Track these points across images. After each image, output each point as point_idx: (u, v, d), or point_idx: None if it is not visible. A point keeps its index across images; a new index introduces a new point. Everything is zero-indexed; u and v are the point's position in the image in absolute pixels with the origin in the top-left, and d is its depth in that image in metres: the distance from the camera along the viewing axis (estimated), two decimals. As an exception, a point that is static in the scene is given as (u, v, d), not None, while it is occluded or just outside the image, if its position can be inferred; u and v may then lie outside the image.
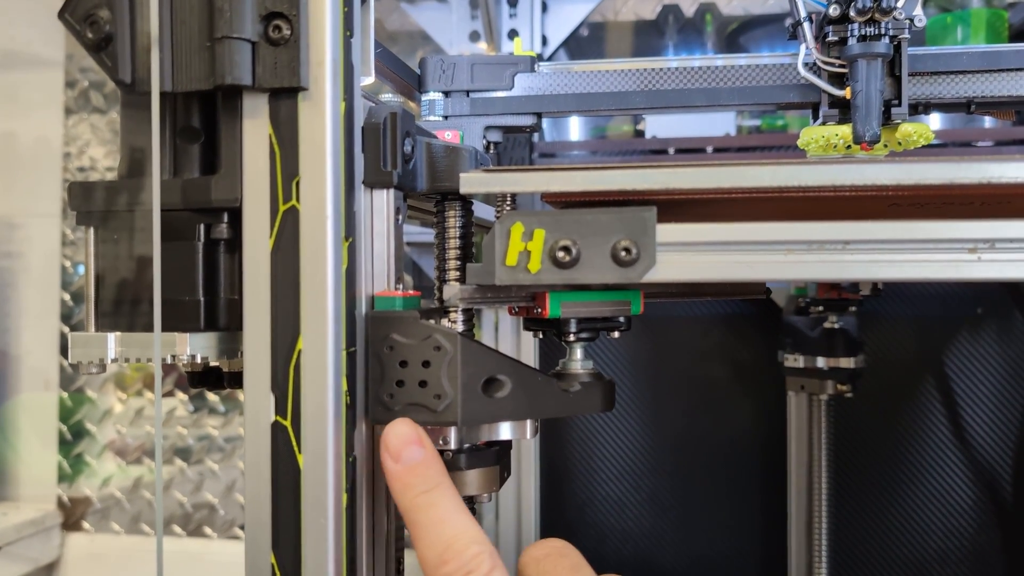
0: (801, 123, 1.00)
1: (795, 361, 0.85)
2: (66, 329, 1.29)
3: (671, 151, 0.96)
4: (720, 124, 0.97)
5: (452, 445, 0.41)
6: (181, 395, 1.27)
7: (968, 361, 0.93)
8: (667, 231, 0.37)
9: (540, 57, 1.01)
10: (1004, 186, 0.36)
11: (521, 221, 0.38)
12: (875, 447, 0.95)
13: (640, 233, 0.37)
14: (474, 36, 1.00)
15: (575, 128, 1.06)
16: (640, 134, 1.03)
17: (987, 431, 0.93)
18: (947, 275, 0.36)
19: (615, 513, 1.00)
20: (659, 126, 0.98)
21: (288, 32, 0.36)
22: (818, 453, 0.89)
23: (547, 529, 1.00)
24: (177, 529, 1.26)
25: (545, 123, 0.63)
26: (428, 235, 0.89)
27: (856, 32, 0.51)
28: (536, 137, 0.97)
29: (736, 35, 1.08)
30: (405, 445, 0.37)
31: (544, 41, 1.02)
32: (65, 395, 1.30)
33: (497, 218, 0.41)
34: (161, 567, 0.38)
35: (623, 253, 0.37)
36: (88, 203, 0.39)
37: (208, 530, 1.26)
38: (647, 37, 1.10)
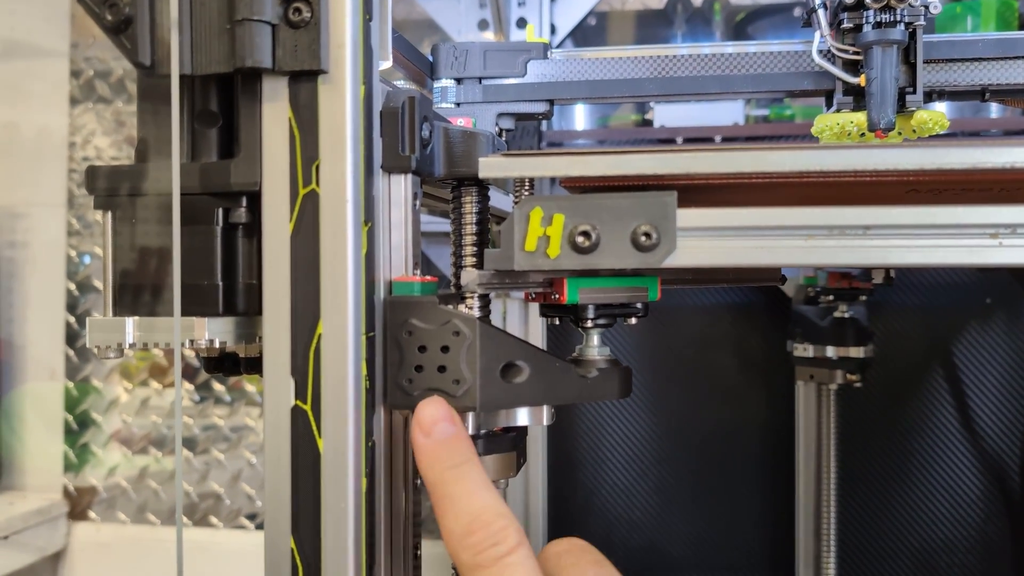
0: (806, 113, 1.00)
1: (804, 350, 0.85)
2: (72, 319, 1.29)
3: (679, 140, 0.96)
4: (728, 113, 0.97)
5: (470, 430, 0.41)
6: (187, 385, 1.27)
7: (977, 351, 0.92)
8: (688, 216, 0.37)
9: (549, 46, 1.01)
10: (1027, 171, 0.35)
11: (540, 206, 0.37)
12: (884, 436, 0.95)
13: (660, 218, 0.37)
14: (482, 24, 1.00)
15: (580, 117, 1.05)
16: (647, 123, 1.02)
17: (995, 421, 0.93)
18: (969, 260, 0.36)
19: (623, 501, 1.00)
20: (667, 115, 0.98)
21: (308, 15, 0.35)
22: (827, 442, 0.89)
23: (555, 517, 1.00)
24: (183, 519, 1.26)
25: (551, 111, 0.63)
26: (437, 224, 0.89)
27: (871, 19, 0.51)
28: (545, 126, 0.96)
29: (744, 24, 1.08)
30: (436, 421, 0.37)
31: (553, 30, 1.02)
32: (71, 385, 1.30)
33: (515, 203, 0.41)
34: (181, 554, 0.38)
35: (643, 238, 0.37)
36: (106, 187, 0.39)
37: (214, 519, 1.26)
38: (655, 27, 1.10)
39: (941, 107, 0.91)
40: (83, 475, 1.30)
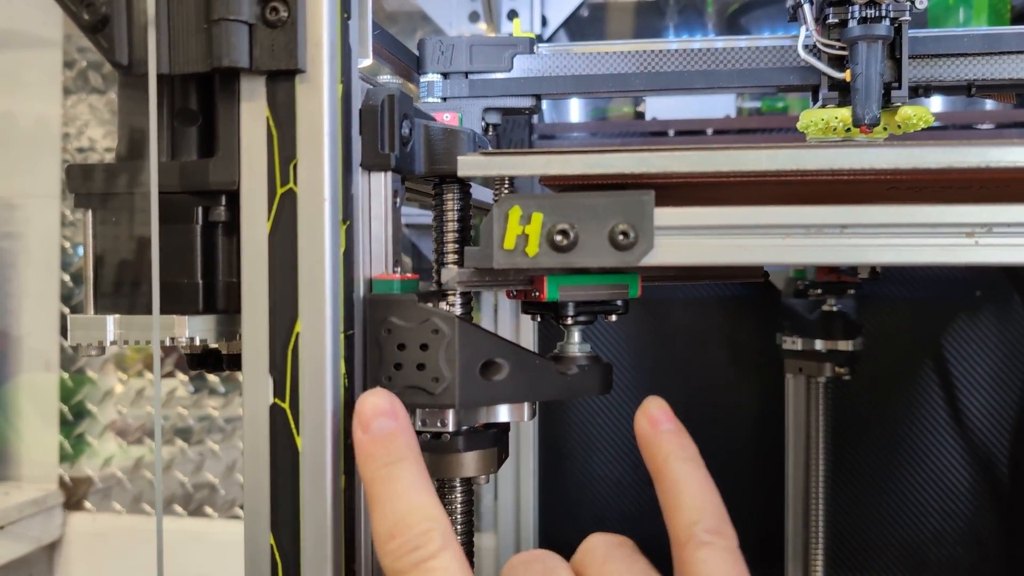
0: (801, 105, 1.00)
1: (793, 344, 0.85)
2: (66, 310, 1.30)
3: (671, 133, 0.96)
4: (720, 106, 0.97)
5: (450, 427, 0.41)
6: (182, 376, 1.27)
7: (966, 344, 0.93)
8: (665, 215, 0.37)
9: (540, 38, 1.00)
10: (1004, 170, 0.35)
11: (519, 204, 0.37)
12: (873, 430, 0.95)
13: (638, 217, 0.37)
14: (473, 16, 0.99)
15: (575, 110, 1.05)
16: (640, 116, 1.02)
17: (985, 414, 0.93)
18: (945, 259, 0.36)
19: (614, 494, 1.01)
20: (659, 108, 0.98)
21: (285, 14, 0.36)
22: (816, 435, 0.89)
23: (546, 510, 1.01)
24: (178, 509, 1.27)
25: (545, 105, 0.63)
26: (427, 217, 0.89)
27: (857, 14, 0.51)
28: (536, 119, 0.96)
29: (737, 16, 1.08)
30: (376, 416, 0.35)
31: (544, 22, 1.02)
32: (66, 376, 1.30)
33: (495, 201, 0.41)
34: (161, 547, 0.39)
35: (621, 237, 0.37)
36: (86, 185, 0.39)
37: (209, 510, 1.27)
38: (647, 18, 1.10)
39: (934, 99, 0.91)
40: (78, 465, 1.30)
